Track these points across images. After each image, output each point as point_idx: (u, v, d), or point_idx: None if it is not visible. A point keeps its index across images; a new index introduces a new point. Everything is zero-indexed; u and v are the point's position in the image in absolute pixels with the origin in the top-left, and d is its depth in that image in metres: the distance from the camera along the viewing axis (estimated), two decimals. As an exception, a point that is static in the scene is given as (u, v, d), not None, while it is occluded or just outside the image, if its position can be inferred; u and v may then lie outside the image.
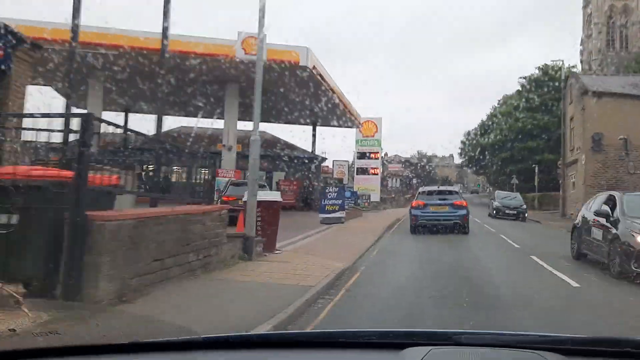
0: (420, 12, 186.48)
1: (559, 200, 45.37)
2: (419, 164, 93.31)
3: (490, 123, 63.87)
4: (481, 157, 64.13)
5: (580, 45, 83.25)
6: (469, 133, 69.82)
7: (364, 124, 39.33)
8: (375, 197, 39.12)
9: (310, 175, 33.16)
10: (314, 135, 33.33)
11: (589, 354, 1.84)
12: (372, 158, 39.55)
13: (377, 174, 39.77)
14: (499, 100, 66.12)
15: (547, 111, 53.30)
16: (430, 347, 1.75)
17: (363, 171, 39.52)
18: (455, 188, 23.73)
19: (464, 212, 17.47)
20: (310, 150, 34.12)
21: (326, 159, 33.92)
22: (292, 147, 35.03)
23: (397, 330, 2.29)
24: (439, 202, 17.78)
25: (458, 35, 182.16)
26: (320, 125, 33.65)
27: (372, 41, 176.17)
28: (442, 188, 21.22)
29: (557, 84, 54.78)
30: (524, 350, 1.78)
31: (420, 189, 20.64)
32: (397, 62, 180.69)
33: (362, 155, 39.53)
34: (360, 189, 38.94)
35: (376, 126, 39.50)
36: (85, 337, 2.72)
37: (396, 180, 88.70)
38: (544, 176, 49.92)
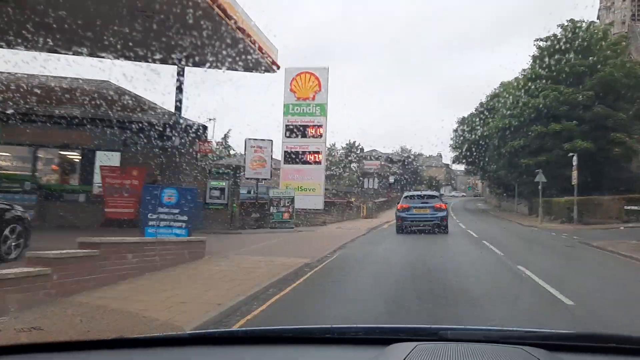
0: (412, 17, 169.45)
1: (611, 208, 29.36)
2: (402, 161, 76.77)
3: (492, 104, 47.68)
4: (480, 148, 47.87)
5: (597, 19, 68.01)
6: (462, 120, 53.51)
7: (298, 78, 22.72)
8: (316, 201, 22.44)
9: (172, 158, 16.53)
10: (179, 82, 16.64)
11: (574, 350, 1.82)
12: (310, 136, 22.88)
13: (319, 162, 23.03)
14: (495, 88, 49.86)
15: (576, 82, 37.20)
16: (416, 343, 1.72)
17: (296, 158, 22.85)
18: (436, 193, 25.81)
19: (443, 213, 19.07)
20: (178, 112, 17.35)
21: (206, 127, 17.34)
22: (142, 106, 18.15)
23: (383, 326, 2.20)
24: (421, 205, 19.16)
25: (448, 38, 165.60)
26: (196, 65, 16.97)
27: (361, 43, 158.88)
28: (424, 193, 22.30)
29: (591, 42, 38.99)
30: (510, 345, 1.75)
31: (405, 194, 21.26)
32: (386, 63, 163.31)
33: (294, 132, 22.87)
34: (291, 187, 22.29)
35: (319, 82, 22.82)
36: (70, 332, 2.48)
37: (374, 180, 72.26)
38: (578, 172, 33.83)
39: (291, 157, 22.80)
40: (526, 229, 24.75)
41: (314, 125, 22.82)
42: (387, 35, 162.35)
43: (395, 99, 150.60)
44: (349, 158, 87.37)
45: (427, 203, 19.08)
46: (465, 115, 53.06)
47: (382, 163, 72.64)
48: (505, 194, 56.22)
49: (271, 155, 23.24)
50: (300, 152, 22.76)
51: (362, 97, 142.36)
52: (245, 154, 23.19)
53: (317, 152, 22.80)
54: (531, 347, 1.69)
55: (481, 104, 49.99)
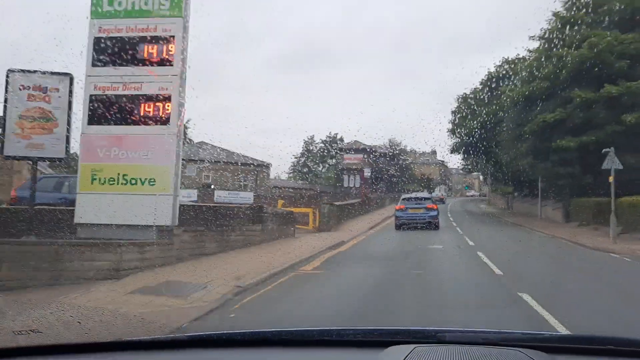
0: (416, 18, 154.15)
1: None
2: (390, 155, 63.92)
3: (505, 72, 35.08)
4: (487, 131, 35.35)
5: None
6: (464, 99, 40.79)
7: None
8: (161, 210, 9.66)
9: None
10: None
11: (572, 352, 1.79)
12: (148, 61, 10.10)
13: (167, 121, 10.09)
14: (492, 72, 37.12)
15: (634, 26, 24.74)
16: (414, 345, 1.69)
17: (114, 110, 10.07)
18: (428, 195, 28.45)
19: (435, 213, 21.69)
20: None
21: None
22: None
23: (381, 328, 2.12)
24: (416, 205, 21.91)
25: (450, 39, 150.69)
26: None
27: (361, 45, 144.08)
28: (419, 195, 24.67)
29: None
30: (508, 347, 1.71)
31: (403, 196, 24.06)
32: (383, 65, 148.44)
33: (112, 53, 10.10)
34: (102, 175, 9.67)
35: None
36: (68, 335, 2.47)
37: (355, 177, 59.49)
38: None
39: (105, 108, 9.98)
40: (612, 262, 12.03)
41: (156, 38, 10.04)
42: (387, 36, 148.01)
43: (393, 99, 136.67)
44: (330, 153, 74.90)
45: (421, 204, 22.09)
46: (468, 92, 40.44)
47: (365, 157, 59.86)
48: (518, 193, 43.70)
49: (69, 107, 10.54)
50: (125, 98, 10.01)
51: (359, 97, 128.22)
52: (5, 104, 10.52)
53: (163, 99, 10.00)
54: (530, 350, 1.66)
55: (489, 75, 37.38)
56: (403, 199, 22.92)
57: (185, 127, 65.84)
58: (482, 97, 37.37)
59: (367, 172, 49.50)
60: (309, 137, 75.78)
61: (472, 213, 39.35)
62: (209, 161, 43.51)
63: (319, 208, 20.15)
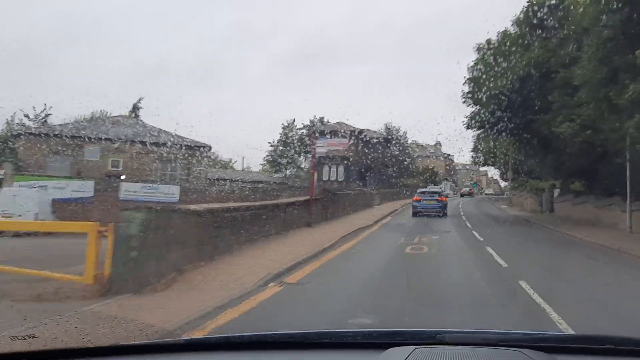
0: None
1: None
2: (385, 142, 50.08)
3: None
4: (527, 87, 21.87)
5: None
6: (485, 49, 27.11)
7: None
8: None
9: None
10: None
11: (572, 352, 1.77)
12: None
13: None
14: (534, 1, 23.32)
15: None
16: (414, 347, 1.67)
17: None
18: (439, 189, 35.35)
19: (444, 204, 27.05)
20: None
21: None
22: None
23: (380, 330, 2.16)
24: (429, 197, 27.50)
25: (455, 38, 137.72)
26: None
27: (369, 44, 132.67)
28: (431, 190, 31.41)
29: None
30: (508, 348, 1.69)
31: (419, 190, 30.35)
32: (390, 62, 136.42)
33: None
34: None
35: None
36: (65, 339, 2.35)
37: (338, 167, 45.89)
38: None
39: None
40: None
41: None
42: (395, 33, 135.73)
43: (392, 97, 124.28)
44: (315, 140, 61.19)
45: (433, 196, 27.55)
46: (493, 39, 26.68)
47: (353, 142, 46.18)
48: (561, 190, 30.04)
49: None
50: None
51: (357, 95, 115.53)
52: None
53: None
54: (530, 350, 1.63)
55: (530, 4, 23.69)
56: (419, 193, 28.69)
57: (137, 108, 52.35)
58: (517, 41, 23.78)
59: (319, 148, 35.85)
60: (289, 122, 62.09)
61: (501, 221, 25.96)
62: (121, 140, 30.30)
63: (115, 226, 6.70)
